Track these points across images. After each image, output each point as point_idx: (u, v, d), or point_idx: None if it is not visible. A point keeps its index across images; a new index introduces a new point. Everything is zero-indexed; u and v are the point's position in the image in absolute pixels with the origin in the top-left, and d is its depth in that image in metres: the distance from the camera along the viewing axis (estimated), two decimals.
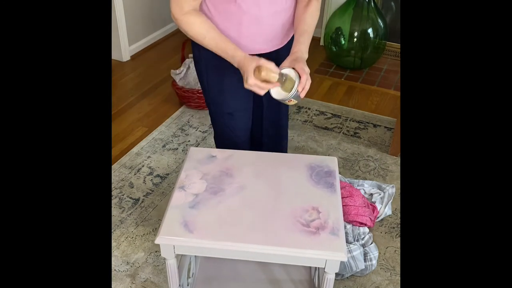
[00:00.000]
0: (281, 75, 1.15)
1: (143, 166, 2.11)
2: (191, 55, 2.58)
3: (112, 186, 1.98)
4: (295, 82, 1.15)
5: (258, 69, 1.12)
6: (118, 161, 2.13)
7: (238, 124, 1.46)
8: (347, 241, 1.64)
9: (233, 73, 1.26)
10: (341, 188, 1.78)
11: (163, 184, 2.00)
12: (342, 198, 1.74)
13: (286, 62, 1.20)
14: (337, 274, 1.52)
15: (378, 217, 1.81)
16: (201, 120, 2.43)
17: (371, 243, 1.67)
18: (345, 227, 1.68)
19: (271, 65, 1.13)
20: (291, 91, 1.15)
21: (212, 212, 1.12)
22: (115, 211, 1.85)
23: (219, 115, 1.45)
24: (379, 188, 1.94)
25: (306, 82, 1.16)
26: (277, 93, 1.17)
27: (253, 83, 1.13)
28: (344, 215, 1.70)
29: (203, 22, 1.21)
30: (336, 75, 2.93)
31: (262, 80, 1.13)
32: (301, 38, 1.27)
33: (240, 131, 1.48)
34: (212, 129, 2.36)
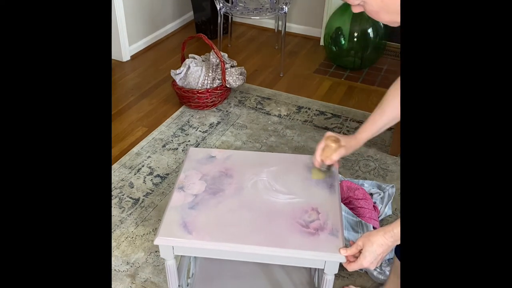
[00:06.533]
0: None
1: (143, 166, 2.11)
2: (191, 55, 2.58)
3: (112, 186, 1.98)
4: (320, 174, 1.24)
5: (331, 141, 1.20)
6: (118, 161, 2.14)
7: None
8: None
9: None
10: (355, 190, 1.80)
11: (163, 184, 2.00)
12: (357, 199, 1.75)
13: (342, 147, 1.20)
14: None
15: (378, 217, 1.81)
16: (201, 120, 2.43)
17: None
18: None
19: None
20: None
21: (211, 212, 1.12)
22: (115, 211, 1.85)
23: None
24: (379, 188, 1.94)
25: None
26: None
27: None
28: (359, 217, 1.71)
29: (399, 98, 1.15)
30: (336, 75, 2.93)
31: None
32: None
33: None
34: (213, 129, 2.37)
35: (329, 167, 1.23)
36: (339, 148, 1.18)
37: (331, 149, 1.18)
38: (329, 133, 1.21)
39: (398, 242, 0.98)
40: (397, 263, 1.30)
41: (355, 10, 0.94)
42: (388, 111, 1.15)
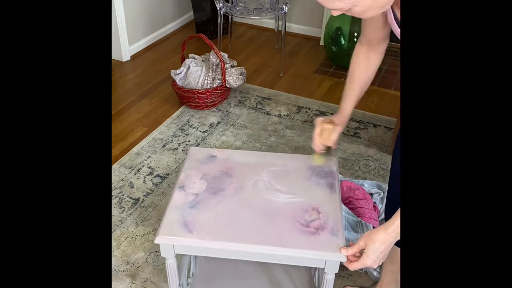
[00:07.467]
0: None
1: (143, 166, 2.11)
2: (191, 55, 2.58)
3: (112, 186, 1.98)
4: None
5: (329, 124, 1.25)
6: (118, 161, 2.14)
7: None
8: None
9: None
10: (355, 190, 1.80)
11: (163, 184, 2.00)
12: (357, 199, 1.75)
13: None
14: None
15: (378, 217, 1.81)
16: (201, 120, 2.43)
17: None
18: None
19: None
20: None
21: (212, 212, 1.12)
22: (115, 211, 1.85)
23: None
24: (379, 188, 1.94)
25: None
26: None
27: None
28: (359, 217, 1.71)
29: (361, 64, 1.23)
30: (336, 75, 2.93)
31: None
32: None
33: None
34: (213, 129, 2.37)
35: (329, 149, 1.27)
36: (335, 127, 1.25)
37: (329, 130, 1.24)
38: (319, 119, 1.26)
39: (399, 237, 0.98)
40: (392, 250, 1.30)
41: (335, 13, 0.94)
42: (358, 80, 1.24)
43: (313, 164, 1.29)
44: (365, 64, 1.23)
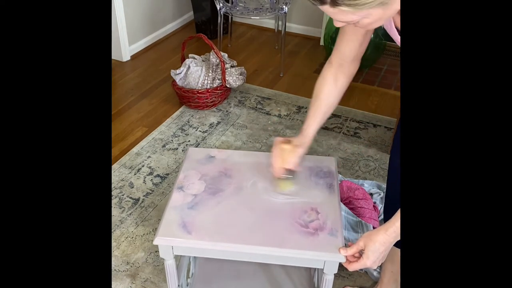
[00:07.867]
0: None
1: (143, 166, 2.11)
2: (191, 55, 2.58)
3: (112, 186, 1.98)
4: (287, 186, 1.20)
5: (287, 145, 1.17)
6: (118, 161, 2.14)
7: None
8: None
9: None
10: (355, 190, 1.80)
11: (163, 184, 2.00)
12: (357, 199, 1.75)
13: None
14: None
15: (378, 217, 1.81)
16: (201, 120, 2.44)
17: None
18: None
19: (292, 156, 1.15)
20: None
21: (210, 213, 1.12)
22: (115, 211, 1.85)
23: None
24: (379, 188, 1.94)
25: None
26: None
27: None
28: (359, 217, 1.71)
29: (328, 84, 1.16)
30: None
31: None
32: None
33: None
34: (213, 129, 2.37)
35: (292, 172, 1.18)
36: (295, 148, 1.16)
37: (287, 151, 1.15)
38: (277, 139, 1.19)
39: (399, 238, 0.98)
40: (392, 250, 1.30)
41: (339, 24, 0.90)
42: (324, 100, 1.18)
43: (280, 191, 1.17)
44: (332, 85, 1.17)
